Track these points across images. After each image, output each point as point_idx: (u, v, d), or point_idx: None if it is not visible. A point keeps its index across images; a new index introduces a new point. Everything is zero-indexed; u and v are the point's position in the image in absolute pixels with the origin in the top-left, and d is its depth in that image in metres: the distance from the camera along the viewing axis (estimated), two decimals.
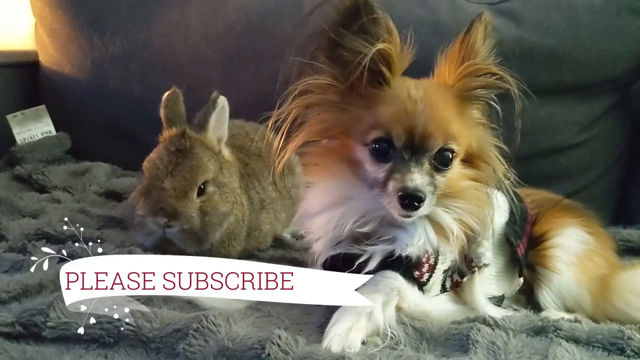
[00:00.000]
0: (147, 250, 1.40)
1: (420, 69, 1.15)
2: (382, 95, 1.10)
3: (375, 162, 1.08)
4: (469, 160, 1.14)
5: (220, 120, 1.50)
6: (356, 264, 1.11)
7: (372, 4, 1.06)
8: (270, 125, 1.14)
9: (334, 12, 1.08)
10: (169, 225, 1.38)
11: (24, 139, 2.22)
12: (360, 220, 1.12)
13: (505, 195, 1.19)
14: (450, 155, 1.08)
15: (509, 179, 1.16)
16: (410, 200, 1.03)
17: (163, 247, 1.41)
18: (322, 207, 1.16)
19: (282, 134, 1.13)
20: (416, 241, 1.10)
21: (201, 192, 1.42)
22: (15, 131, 2.21)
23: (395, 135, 1.06)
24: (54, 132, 2.29)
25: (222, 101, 1.47)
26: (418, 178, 1.04)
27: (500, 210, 1.19)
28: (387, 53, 1.08)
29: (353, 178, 1.13)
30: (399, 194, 1.03)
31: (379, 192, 1.08)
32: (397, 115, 1.06)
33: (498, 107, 1.12)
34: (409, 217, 1.06)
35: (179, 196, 1.39)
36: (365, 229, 1.12)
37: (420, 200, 1.03)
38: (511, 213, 1.26)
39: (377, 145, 1.08)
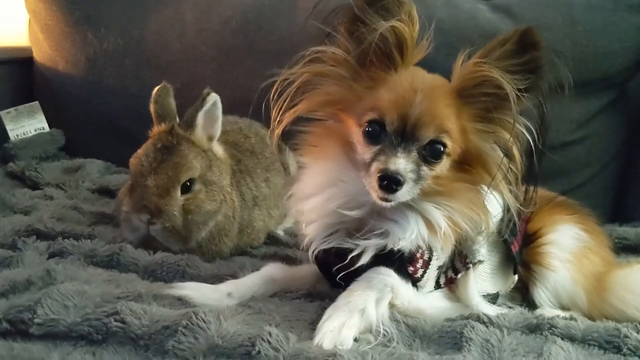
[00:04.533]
0: (137, 247, 1.39)
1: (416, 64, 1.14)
2: (386, 79, 1.10)
3: (366, 143, 1.09)
4: (467, 164, 1.12)
5: (211, 118, 1.48)
6: (349, 257, 1.11)
7: None
8: (277, 83, 1.13)
9: None
10: (152, 223, 1.38)
11: (17, 135, 2.21)
12: (348, 203, 1.12)
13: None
14: (441, 149, 1.08)
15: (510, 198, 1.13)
16: (389, 182, 1.03)
17: (150, 243, 1.40)
18: (314, 189, 1.17)
19: (286, 97, 1.13)
20: (408, 235, 1.10)
21: (187, 189, 1.42)
22: (8, 127, 2.19)
23: (388, 119, 1.06)
24: (47, 129, 2.28)
25: (213, 98, 1.46)
26: (401, 162, 1.04)
27: (493, 207, 1.17)
28: (402, 36, 1.08)
29: (346, 161, 1.14)
30: (379, 174, 1.03)
31: (364, 174, 1.08)
32: (394, 101, 1.06)
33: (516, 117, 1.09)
34: (387, 200, 1.06)
35: (161, 194, 1.38)
36: (353, 214, 1.12)
37: (399, 183, 1.03)
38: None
39: (369, 128, 1.08)
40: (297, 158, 1.25)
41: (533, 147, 1.10)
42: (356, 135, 1.11)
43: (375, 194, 1.05)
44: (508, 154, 1.11)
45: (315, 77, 1.14)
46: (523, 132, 1.10)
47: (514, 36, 1.07)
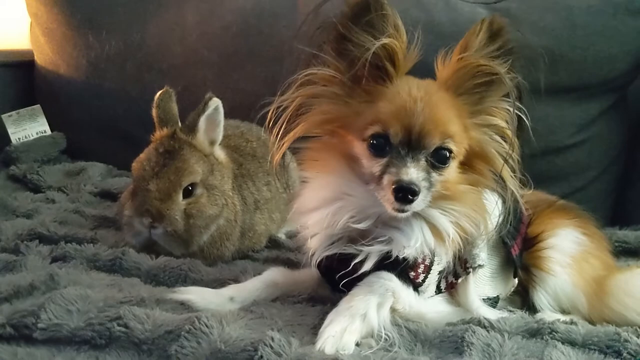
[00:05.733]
0: (139, 251, 1.39)
1: (415, 68, 1.14)
2: (383, 91, 1.10)
3: (372, 156, 1.09)
4: (469, 164, 1.13)
5: (213, 123, 1.49)
6: (352, 264, 1.11)
7: (382, 0, 1.07)
8: (271, 112, 1.13)
9: (344, 6, 1.09)
10: (154, 227, 1.38)
11: (19, 138, 2.22)
12: (355, 217, 1.12)
13: (506, 199, 1.16)
14: (447, 154, 1.08)
15: (515, 187, 1.14)
16: (405, 193, 1.03)
17: (152, 247, 1.41)
18: (318, 203, 1.16)
19: (283, 123, 1.13)
20: (413, 243, 1.10)
21: (188, 194, 1.42)
22: (10, 131, 2.20)
23: (393, 132, 1.06)
24: (49, 132, 2.29)
25: (215, 103, 1.46)
26: (413, 172, 1.04)
27: (490, 206, 1.18)
28: (392, 49, 1.09)
29: (350, 174, 1.13)
30: (393, 186, 1.03)
31: (374, 187, 1.08)
32: (396, 113, 1.07)
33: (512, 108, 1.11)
34: (403, 211, 1.06)
35: (163, 198, 1.39)
36: (360, 226, 1.12)
37: (415, 193, 1.03)
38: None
39: (374, 141, 1.08)
40: (299, 173, 1.25)
41: (528, 125, 1.12)
42: (359, 149, 1.10)
43: (390, 206, 1.05)
44: (505, 140, 1.12)
45: (309, 99, 1.14)
46: (518, 113, 1.11)
47: (483, 26, 1.09)
